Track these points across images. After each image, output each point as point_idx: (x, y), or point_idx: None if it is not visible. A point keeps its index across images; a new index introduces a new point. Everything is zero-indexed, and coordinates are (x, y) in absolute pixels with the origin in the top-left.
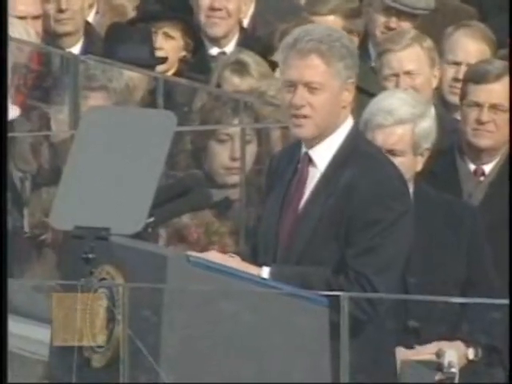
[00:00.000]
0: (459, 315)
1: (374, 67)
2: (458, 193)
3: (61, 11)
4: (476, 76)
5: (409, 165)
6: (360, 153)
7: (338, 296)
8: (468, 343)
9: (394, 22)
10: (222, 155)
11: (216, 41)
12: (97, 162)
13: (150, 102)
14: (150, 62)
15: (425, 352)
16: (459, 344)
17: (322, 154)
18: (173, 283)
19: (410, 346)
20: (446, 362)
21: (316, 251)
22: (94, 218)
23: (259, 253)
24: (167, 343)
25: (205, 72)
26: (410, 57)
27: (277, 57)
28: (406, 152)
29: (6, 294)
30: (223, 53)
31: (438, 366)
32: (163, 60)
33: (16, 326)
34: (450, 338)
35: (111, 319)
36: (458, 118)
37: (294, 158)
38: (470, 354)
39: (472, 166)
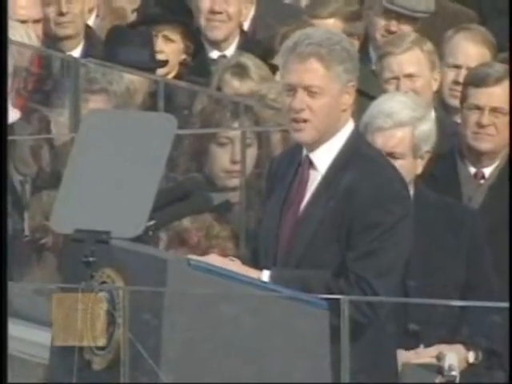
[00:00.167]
0: (459, 318)
1: (375, 70)
2: (458, 196)
3: (61, 14)
4: (476, 79)
5: (409, 168)
6: (360, 156)
7: (338, 299)
8: (468, 346)
9: (394, 25)
10: (222, 158)
11: (216, 44)
12: (97, 165)
13: (150, 105)
14: (151, 65)
15: (425, 355)
16: (459, 347)
17: (323, 157)
18: (173, 286)
19: (410, 349)
20: (446, 365)
21: (316, 254)
22: (94, 221)
23: (259, 256)
24: (168, 346)
25: (205, 75)
26: (410, 60)
27: (277, 60)
28: (406, 155)
29: (6, 296)
30: (223, 56)
31: (439, 369)
32: (163, 63)
33: (16, 329)
34: (450, 341)
35: (112, 322)
36: (459, 121)
37: (294, 160)
38: (471, 357)
39: (472, 169)
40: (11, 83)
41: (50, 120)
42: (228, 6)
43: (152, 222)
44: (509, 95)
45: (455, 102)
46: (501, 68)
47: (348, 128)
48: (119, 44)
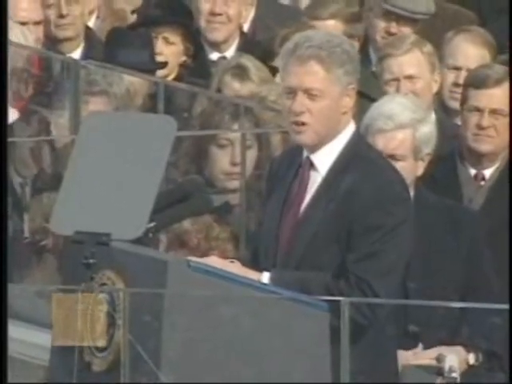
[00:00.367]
0: (459, 320)
1: (375, 72)
2: (459, 197)
3: (61, 16)
4: (476, 81)
5: (409, 169)
6: (361, 158)
7: (338, 301)
8: (468, 348)
9: (394, 26)
10: (222, 160)
11: (216, 46)
12: (97, 167)
13: (150, 106)
14: (150, 66)
15: (425, 357)
16: (460, 349)
17: (324, 159)
18: (173, 288)
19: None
20: (446, 366)
21: (316, 255)
22: (94, 223)
23: (259, 257)
24: (168, 347)
25: (205, 77)
26: (410, 61)
27: (277, 62)
28: (406, 157)
29: (6, 298)
30: (223, 58)
31: (439, 371)
32: (163, 65)
33: (17, 331)
34: (450, 342)
35: (112, 324)
36: (459, 123)
37: (294, 162)
38: (471, 358)
39: (472, 171)
40: (9, 84)
41: (49, 122)
42: (228, 8)
43: (152, 224)
44: (509, 97)
45: (455, 104)
46: (500, 70)
47: (349, 130)
48: (119, 46)
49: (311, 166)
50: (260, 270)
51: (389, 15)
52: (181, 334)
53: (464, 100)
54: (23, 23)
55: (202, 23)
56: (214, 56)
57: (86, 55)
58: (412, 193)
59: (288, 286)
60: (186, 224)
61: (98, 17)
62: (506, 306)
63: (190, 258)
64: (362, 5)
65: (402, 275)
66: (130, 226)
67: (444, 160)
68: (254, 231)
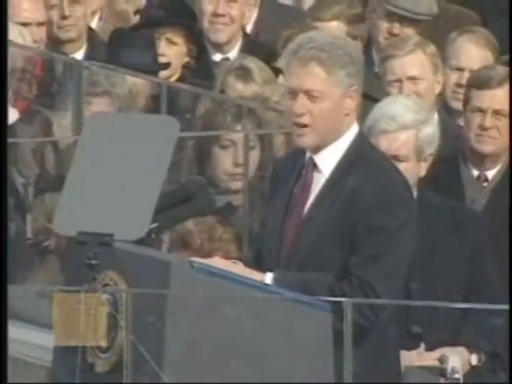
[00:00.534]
0: (462, 321)
1: (378, 73)
2: (461, 198)
3: (64, 18)
4: (479, 82)
5: (412, 170)
6: (364, 158)
7: (340, 302)
8: (471, 349)
9: (397, 27)
10: (224, 161)
11: (219, 47)
12: (100, 168)
13: (153, 107)
14: (153, 67)
15: (428, 357)
16: (462, 350)
17: (327, 160)
18: (176, 289)
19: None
20: (449, 367)
21: (319, 257)
22: (97, 223)
23: (263, 258)
24: (170, 348)
25: (208, 78)
26: (413, 62)
27: (280, 63)
28: (409, 158)
29: (6, 298)
30: (226, 59)
31: (442, 372)
32: (166, 66)
33: (19, 332)
34: (453, 343)
35: (114, 325)
36: (461, 123)
37: (298, 162)
38: (473, 359)
39: (475, 172)
40: (10, 83)
41: (52, 122)
42: (231, 9)
43: (155, 225)
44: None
45: (458, 105)
46: (503, 70)
47: (352, 131)
48: (122, 47)
49: (314, 166)
50: (263, 270)
51: (392, 16)
52: (183, 334)
53: (467, 101)
54: (26, 24)
55: (205, 24)
56: (217, 57)
57: (88, 56)
58: (415, 193)
59: (291, 286)
60: (189, 224)
61: (100, 18)
62: (504, 307)
63: (192, 258)
64: (364, 6)
65: (404, 277)
66: (133, 226)
67: (447, 161)
68: (257, 232)
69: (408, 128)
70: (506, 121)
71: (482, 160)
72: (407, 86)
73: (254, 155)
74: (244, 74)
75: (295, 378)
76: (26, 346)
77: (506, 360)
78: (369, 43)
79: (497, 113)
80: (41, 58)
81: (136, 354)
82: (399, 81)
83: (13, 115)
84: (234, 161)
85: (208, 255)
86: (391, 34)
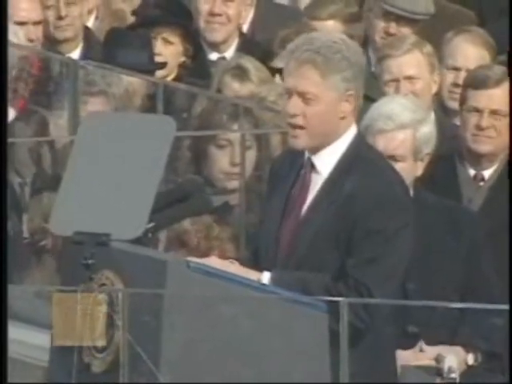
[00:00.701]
0: (459, 320)
1: (374, 72)
2: (458, 198)
3: (60, 18)
4: (476, 81)
5: (409, 170)
6: (362, 159)
7: (337, 303)
8: (468, 348)
9: (393, 27)
10: (221, 161)
11: (215, 46)
12: (96, 168)
13: (149, 107)
14: (150, 67)
15: (425, 357)
16: (459, 349)
17: (325, 161)
18: (172, 288)
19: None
20: (445, 367)
21: (317, 258)
22: (93, 223)
23: (260, 257)
24: (167, 348)
25: (204, 77)
26: (409, 62)
27: (276, 62)
28: (406, 157)
29: (6, 298)
30: (223, 58)
31: (438, 372)
32: (162, 65)
33: (16, 332)
34: (449, 343)
35: (111, 324)
36: (458, 123)
37: (296, 162)
38: (470, 359)
39: (472, 172)
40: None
41: (49, 122)
42: (227, 8)
43: (151, 224)
44: (508, 97)
45: (454, 105)
46: (500, 70)
47: (351, 132)
48: (118, 46)
49: (312, 167)
50: (260, 269)
51: (388, 16)
52: (180, 334)
53: (463, 100)
54: (23, 23)
55: (202, 24)
56: (214, 56)
57: (84, 55)
58: (411, 193)
59: (288, 286)
60: (186, 224)
61: (96, 17)
62: (506, 307)
63: (189, 258)
64: (361, 5)
65: (401, 279)
66: (130, 226)
67: (443, 160)
68: (254, 231)
69: (405, 127)
70: (503, 120)
71: (478, 160)
72: (404, 85)
73: (251, 155)
74: (240, 73)
75: (292, 378)
76: (23, 345)
77: (502, 360)
78: (365, 43)
79: (493, 113)
80: (37, 58)
81: (132, 354)
82: (396, 80)
83: (9, 114)
84: (230, 160)
85: (205, 254)
86: (388, 34)
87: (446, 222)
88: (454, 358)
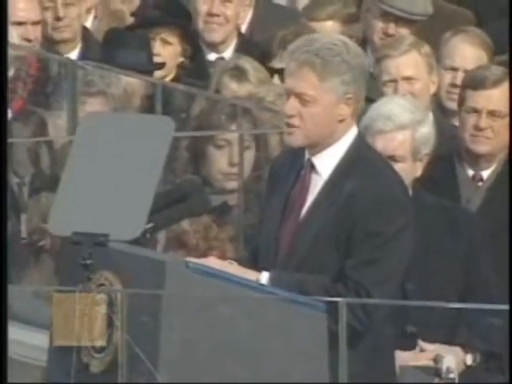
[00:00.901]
0: (457, 321)
1: (373, 73)
2: (457, 198)
3: (58, 19)
4: (474, 82)
5: (408, 170)
6: (362, 160)
7: (336, 304)
8: (466, 349)
9: (391, 27)
10: (219, 161)
11: (214, 46)
12: (95, 168)
13: (148, 107)
14: (148, 67)
15: (423, 357)
16: (457, 349)
17: (325, 162)
18: (171, 289)
19: (408, 351)
20: (444, 367)
21: (316, 260)
22: (92, 223)
23: (259, 257)
24: (166, 348)
25: (203, 77)
26: (408, 63)
27: (275, 63)
28: (405, 158)
29: (6, 298)
30: (221, 58)
31: (437, 372)
32: (161, 66)
33: (14, 332)
34: (448, 343)
35: (110, 325)
36: (456, 123)
37: (296, 162)
38: (469, 359)
39: (470, 172)
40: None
41: (47, 122)
42: (226, 9)
43: (150, 225)
44: (506, 98)
45: (452, 105)
46: (498, 71)
47: (351, 134)
48: (117, 46)
49: (312, 168)
50: (259, 269)
51: (386, 16)
52: (178, 334)
53: (462, 101)
54: (21, 23)
55: (200, 24)
56: (212, 57)
57: (83, 56)
58: (410, 194)
59: (286, 287)
60: (185, 224)
61: (95, 17)
62: (506, 307)
63: (188, 258)
64: (359, 6)
65: (400, 281)
66: (128, 226)
67: (442, 161)
68: (253, 231)
69: (405, 128)
70: (501, 121)
71: (476, 160)
72: (402, 86)
73: (249, 155)
74: (239, 74)
75: (291, 378)
76: (21, 346)
77: (501, 360)
78: (364, 43)
79: (492, 113)
80: (35, 58)
81: (131, 354)
82: (394, 81)
83: (10, 116)
84: (229, 160)
85: (203, 255)
86: (386, 34)
87: (445, 222)
88: (453, 359)
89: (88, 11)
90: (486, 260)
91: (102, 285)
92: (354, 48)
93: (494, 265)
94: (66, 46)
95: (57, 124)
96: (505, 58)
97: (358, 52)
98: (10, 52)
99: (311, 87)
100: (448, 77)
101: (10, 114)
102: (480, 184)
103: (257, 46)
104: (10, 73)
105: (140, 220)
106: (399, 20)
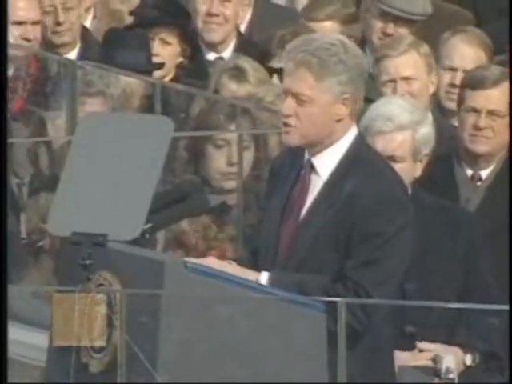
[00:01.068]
0: (457, 321)
1: (372, 73)
2: (456, 198)
3: (58, 24)
4: (473, 82)
5: (408, 171)
6: (362, 160)
7: (335, 304)
8: (465, 349)
9: (391, 27)
10: (218, 160)
11: (213, 46)
12: (94, 168)
13: (147, 107)
14: (147, 67)
15: (422, 357)
16: (457, 350)
17: (325, 163)
18: (170, 289)
19: (407, 351)
20: (443, 367)
21: (316, 260)
22: (91, 224)
23: (258, 257)
24: (165, 348)
25: (202, 78)
26: (407, 63)
27: (274, 63)
28: (405, 158)
29: (6, 298)
30: (220, 58)
31: (436, 372)
32: (160, 66)
33: (13, 332)
34: (447, 343)
35: (109, 325)
36: (455, 123)
37: (296, 163)
38: (468, 359)
39: (469, 172)
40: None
41: (46, 122)
42: (225, 9)
43: (149, 225)
44: (505, 98)
45: (451, 105)
46: (497, 70)
47: (351, 134)
48: (116, 46)
49: (312, 168)
50: (258, 270)
51: (385, 16)
52: (177, 334)
53: (461, 101)
54: (20, 22)
55: (199, 24)
56: (211, 56)
57: (82, 56)
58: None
59: (286, 287)
60: (184, 224)
61: (94, 17)
62: (505, 307)
63: (187, 258)
64: (358, 6)
65: (399, 281)
66: (127, 226)
67: (441, 161)
68: (253, 232)
69: (405, 128)
70: (500, 121)
71: (475, 160)
72: (401, 86)
73: (248, 155)
74: (238, 74)
75: (290, 378)
76: (21, 346)
77: (500, 360)
78: (363, 43)
79: (491, 113)
80: (35, 58)
81: (130, 354)
82: (393, 81)
83: (9, 115)
84: (227, 160)
85: (203, 255)
86: (385, 34)
87: (444, 222)
88: (452, 359)
89: (87, 11)
90: (485, 260)
91: (101, 285)
92: (352, 48)
93: (494, 265)
94: (65, 49)
95: (56, 124)
96: (504, 57)
97: (357, 52)
98: (10, 52)
99: (308, 87)
100: (447, 77)
101: (12, 115)
102: (479, 184)
103: (256, 46)
104: (10, 72)
105: (139, 220)
106: (398, 20)
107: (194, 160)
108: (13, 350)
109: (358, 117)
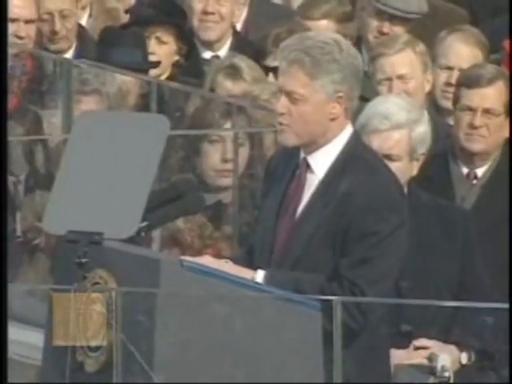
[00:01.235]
0: (452, 319)
1: (367, 72)
2: (451, 196)
3: (55, 33)
4: (469, 80)
5: (404, 169)
6: (357, 159)
7: (330, 303)
8: (461, 347)
9: (386, 26)
10: (213, 157)
11: (209, 45)
12: (90, 167)
13: (143, 106)
14: (143, 66)
15: (417, 355)
16: (452, 348)
17: (321, 161)
18: (166, 287)
19: (403, 349)
20: (439, 366)
21: (312, 259)
22: (87, 222)
23: (254, 256)
24: (160, 347)
25: (198, 76)
26: (402, 61)
27: (269, 61)
28: (402, 157)
29: (6, 298)
30: (216, 56)
31: (432, 370)
32: (156, 64)
33: (10, 331)
34: (443, 341)
35: (105, 324)
36: (451, 122)
37: (292, 161)
38: (463, 358)
39: (465, 170)
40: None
41: (42, 121)
42: (220, 7)
43: (145, 223)
44: (501, 96)
45: (447, 104)
46: (493, 69)
47: (347, 133)
48: (112, 45)
49: (308, 167)
50: (254, 268)
51: (381, 15)
52: (173, 333)
53: (456, 99)
54: (14, 20)
55: (195, 22)
56: (207, 55)
57: (78, 54)
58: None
59: (282, 285)
60: (179, 223)
61: (90, 15)
62: (504, 305)
63: (182, 257)
64: (354, 4)
65: (395, 280)
66: (123, 225)
67: (436, 159)
68: (248, 230)
69: (401, 127)
70: (496, 119)
71: (471, 158)
72: (397, 84)
73: (243, 153)
74: (234, 72)
75: (286, 377)
76: (16, 344)
77: (495, 359)
78: (358, 42)
79: (486, 111)
80: (31, 56)
81: (126, 353)
82: (389, 79)
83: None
84: (222, 156)
85: (198, 253)
86: (381, 33)
87: (439, 220)
88: (448, 357)
89: (83, 9)
90: (481, 258)
91: (97, 283)
92: (346, 47)
93: (489, 263)
94: (61, 53)
95: (52, 122)
96: (498, 56)
97: (351, 51)
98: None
99: (301, 85)
100: (443, 75)
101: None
102: (474, 182)
103: (252, 45)
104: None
105: (135, 218)
106: (394, 18)
107: (190, 158)
108: (9, 349)
109: (353, 115)
